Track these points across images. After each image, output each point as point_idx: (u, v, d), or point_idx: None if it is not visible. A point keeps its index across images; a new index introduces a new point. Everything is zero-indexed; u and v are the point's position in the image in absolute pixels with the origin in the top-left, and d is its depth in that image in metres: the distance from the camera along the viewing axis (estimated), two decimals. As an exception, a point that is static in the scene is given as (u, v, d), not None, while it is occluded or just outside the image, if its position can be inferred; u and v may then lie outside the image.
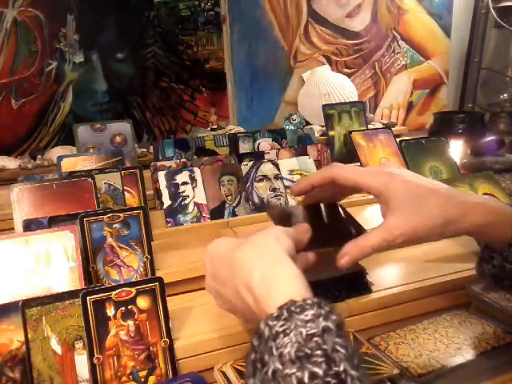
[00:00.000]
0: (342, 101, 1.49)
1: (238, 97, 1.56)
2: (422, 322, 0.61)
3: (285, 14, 1.57)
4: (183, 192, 0.91)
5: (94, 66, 1.37)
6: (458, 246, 0.75)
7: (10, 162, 1.19)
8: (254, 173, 0.97)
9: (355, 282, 0.57)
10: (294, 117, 1.20)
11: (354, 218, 0.62)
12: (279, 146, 1.09)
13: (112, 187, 0.87)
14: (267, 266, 0.43)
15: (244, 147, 1.07)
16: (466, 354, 0.54)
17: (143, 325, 0.52)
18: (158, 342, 0.53)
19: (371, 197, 0.55)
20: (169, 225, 0.88)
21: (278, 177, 0.98)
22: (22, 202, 0.77)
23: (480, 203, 0.53)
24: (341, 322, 0.36)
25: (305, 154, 1.04)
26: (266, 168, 0.98)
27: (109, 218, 0.67)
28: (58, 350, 0.50)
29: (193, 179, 0.93)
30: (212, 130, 1.42)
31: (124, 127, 1.14)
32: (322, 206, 0.63)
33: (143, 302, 0.53)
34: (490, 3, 1.70)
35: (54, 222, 0.68)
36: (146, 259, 0.68)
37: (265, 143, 1.09)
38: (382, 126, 1.47)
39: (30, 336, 0.50)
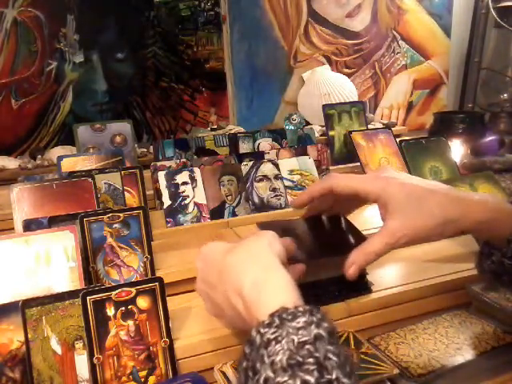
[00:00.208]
0: (342, 101, 1.49)
1: (238, 97, 1.56)
2: (422, 322, 0.61)
3: (285, 13, 1.57)
4: (183, 192, 0.91)
5: (94, 66, 1.37)
6: (458, 246, 0.75)
7: (10, 162, 1.19)
8: (253, 173, 0.97)
9: (355, 282, 0.57)
10: (294, 117, 1.20)
11: (354, 226, 0.62)
12: (279, 146, 1.09)
13: (112, 187, 0.87)
14: (258, 272, 0.43)
15: (244, 147, 1.07)
16: (466, 354, 0.54)
17: (143, 325, 0.52)
18: (157, 342, 0.53)
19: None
20: (169, 225, 0.88)
21: (277, 177, 0.98)
22: (22, 202, 0.77)
23: (479, 201, 0.53)
24: (333, 329, 0.36)
25: (305, 154, 1.04)
26: (266, 168, 0.98)
27: (109, 218, 0.67)
28: (58, 350, 0.50)
29: (193, 179, 0.93)
30: (212, 129, 1.42)
31: (124, 127, 1.14)
32: (323, 217, 0.63)
33: (143, 302, 0.53)
34: (490, 3, 1.69)
35: (53, 221, 0.68)
36: (146, 259, 0.68)
37: (265, 143, 1.09)
38: (381, 126, 1.47)
39: (30, 336, 0.50)
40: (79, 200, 0.79)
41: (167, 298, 0.54)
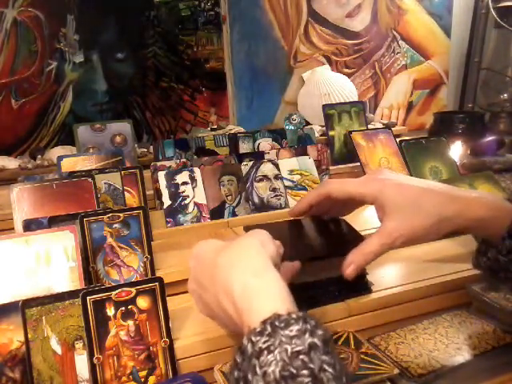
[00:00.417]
0: (342, 101, 1.49)
1: (238, 97, 1.56)
2: (422, 322, 0.61)
3: (285, 14, 1.57)
4: (183, 192, 0.91)
5: (94, 66, 1.37)
6: (458, 246, 0.75)
7: (10, 162, 1.19)
8: (253, 173, 0.97)
9: (355, 282, 0.57)
10: (294, 117, 1.19)
11: (351, 226, 0.62)
12: (279, 146, 1.09)
13: (112, 187, 0.87)
14: (249, 275, 0.41)
15: (244, 147, 1.07)
16: (466, 354, 0.54)
17: (143, 325, 0.52)
18: (158, 342, 0.53)
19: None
20: (169, 225, 0.88)
21: (277, 177, 0.98)
22: (21, 202, 0.77)
23: (475, 198, 0.54)
24: (327, 337, 0.35)
25: (305, 154, 1.04)
26: (266, 168, 0.98)
27: (109, 218, 0.67)
28: (58, 350, 0.50)
29: (193, 179, 0.93)
30: (212, 130, 1.42)
31: (124, 127, 1.14)
32: (309, 218, 0.63)
33: (143, 302, 0.53)
34: (490, 3, 1.69)
35: (54, 222, 0.68)
36: (146, 259, 0.68)
37: (265, 143, 1.09)
38: (381, 126, 1.47)
39: (30, 336, 0.50)
40: (79, 200, 0.79)
41: (167, 298, 0.54)
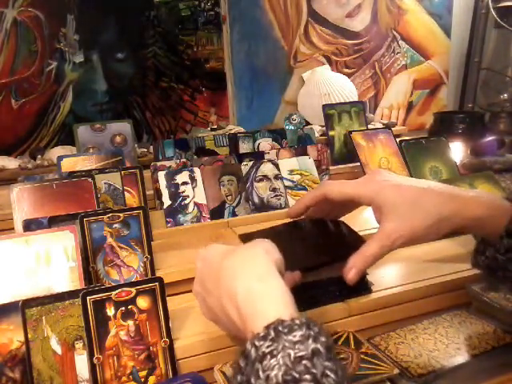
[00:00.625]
0: (342, 101, 1.49)
1: (238, 97, 1.56)
2: (422, 322, 0.61)
3: (285, 14, 1.57)
4: (183, 192, 0.91)
5: (94, 66, 1.37)
6: (458, 246, 0.75)
7: (10, 162, 1.19)
8: (253, 173, 0.97)
9: (355, 282, 0.57)
10: (294, 117, 1.20)
11: (351, 228, 0.62)
12: (279, 146, 1.09)
13: (112, 187, 0.87)
14: (254, 280, 0.41)
15: (244, 147, 1.07)
16: (466, 354, 0.54)
17: (143, 325, 0.52)
18: (158, 342, 0.53)
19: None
20: (169, 225, 0.88)
21: (277, 177, 0.98)
22: (21, 202, 0.77)
23: (473, 197, 0.54)
24: (330, 343, 0.35)
25: (305, 154, 1.04)
26: (266, 168, 0.98)
27: (109, 218, 0.67)
28: (58, 350, 0.50)
29: (193, 179, 0.93)
30: (212, 130, 1.42)
31: (124, 127, 1.14)
32: (307, 221, 0.63)
33: (143, 302, 0.53)
34: (490, 3, 1.69)
35: (54, 222, 0.68)
36: (146, 259, 0.68)
37: (265, 143, 1.09)
38: (381, 126, 1.47)
39: (30, 336, 0.50)
40: (79, 200, 0.79)
41: (167, 298, 0.54)
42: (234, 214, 0.93)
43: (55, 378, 0.50)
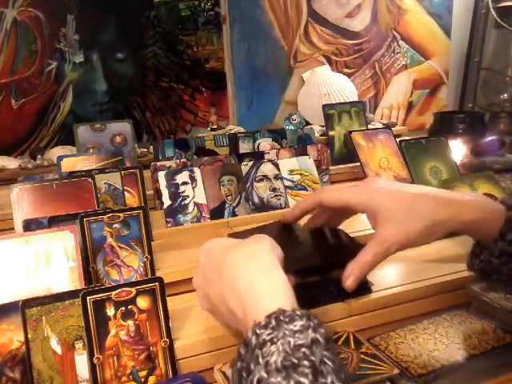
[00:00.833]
0: (342, 101, 1.49)
1: (238, 97, 1.56)
2: (422, 322, 0.61)
3: (285, 14, 1.57)
4: (183, 192, 0.91)
5: (94, 66, 1.37)
6: (458, 246, 0.75)
7: (10, 162, 1.19)
8: (254, 173, 0.97)
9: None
10: (294, 117, 1.20)
11: (347, 233, 0.62)
12: (279, 146, 1.09)
13: (112, 187, 0.87)
14: (257, 272, 0.42)
15: (244, 147, 1.07)
16: (466, 354, 0.54)
17: (143, 325, 0.52)
18: (158, 342, 0.53)
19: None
20: (169, 225, 0.88)
21: (277, 177, 0.98)
22: (21, 202, 0.77)
23: (468, 201, 0.54)
24: (329, 335, 0.36)
25: (305, 154, 1.04)
26: (266, 168, 0.98)
27: (109, 218, 0.67)
28: (58, 350, 0.50)
29: (193, 179, 0.93)
30: (212, 129, 1.42)
31: (124, 127, 1.14)
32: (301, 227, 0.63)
33: (143, 302, 0.53)
34: (490, 3, 1.69)
35: (54, 222, 0.68)
36: (146, 259, 0.68)
37: (265, 143, 1.09)
38: (382, 126, 1.47)
39: (30, 336, 0.50)
40: (79, 200, 0.79)
41: (167, 298, 0.54)
42: (234, 214, 0.93)
43: (55, 377, 0.50)
